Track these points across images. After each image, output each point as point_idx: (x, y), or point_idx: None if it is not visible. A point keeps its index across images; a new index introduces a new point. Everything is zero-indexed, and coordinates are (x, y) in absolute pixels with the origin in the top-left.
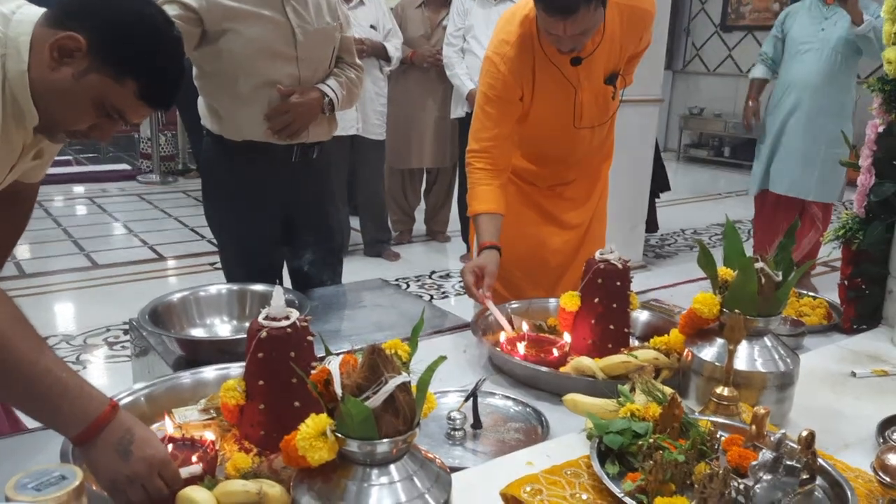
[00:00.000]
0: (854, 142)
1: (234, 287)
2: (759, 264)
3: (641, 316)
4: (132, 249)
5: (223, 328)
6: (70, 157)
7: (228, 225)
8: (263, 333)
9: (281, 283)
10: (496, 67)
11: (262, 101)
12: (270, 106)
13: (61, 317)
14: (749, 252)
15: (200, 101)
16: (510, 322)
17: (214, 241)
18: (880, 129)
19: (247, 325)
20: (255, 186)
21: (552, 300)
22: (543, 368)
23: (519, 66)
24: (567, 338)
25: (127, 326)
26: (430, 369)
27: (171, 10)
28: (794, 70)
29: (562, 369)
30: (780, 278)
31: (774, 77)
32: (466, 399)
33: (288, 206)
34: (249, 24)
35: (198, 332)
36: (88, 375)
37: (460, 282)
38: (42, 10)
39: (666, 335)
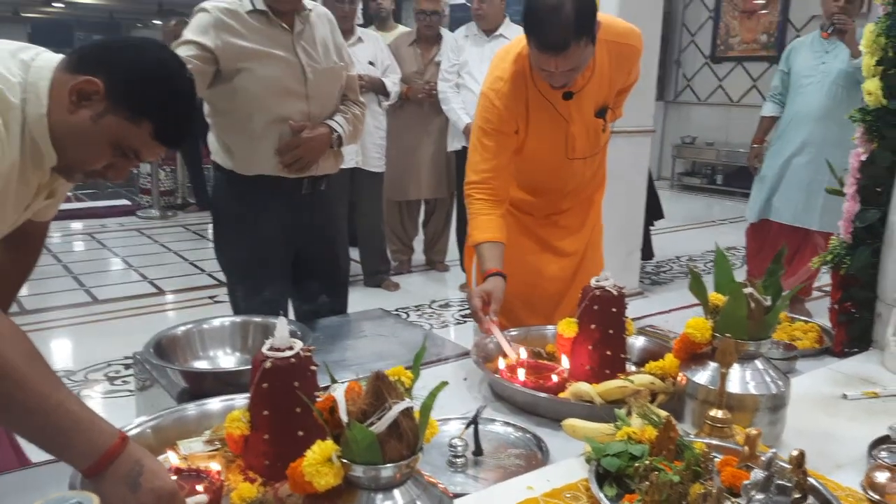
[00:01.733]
0: None
1: (238, 319)
2: (749, 290)
3: (637, 342)
4: (132, 284)
5: (227, 360)
6: (69, 194)
7: (240, 258)
8: (268, 364)
9: (286, 315)
10: (491, 102)
11: (273, 136)
12: (281, 141)
13: (62, 352)
14: (742, 279)
15: (211, 137)
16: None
17: (214, 275)
18: (863, 158)
19: (250, 356)
20: (267, 219)
21: (550, 327)
22: (542, 394)
23: (513, 100)
24: (565, 364)
25: (129, 361)
26: (433, 394)
27: (189, 51)
28: (798, 103)
29: (560, 395)
30: (770, 303)
31: None
32: (467, 426)
33: (297, 238)
34: (263, 64)
35: (202, 365)
36: None
37: (460, 310)
38: (60, 56)
39: (661, 360)
